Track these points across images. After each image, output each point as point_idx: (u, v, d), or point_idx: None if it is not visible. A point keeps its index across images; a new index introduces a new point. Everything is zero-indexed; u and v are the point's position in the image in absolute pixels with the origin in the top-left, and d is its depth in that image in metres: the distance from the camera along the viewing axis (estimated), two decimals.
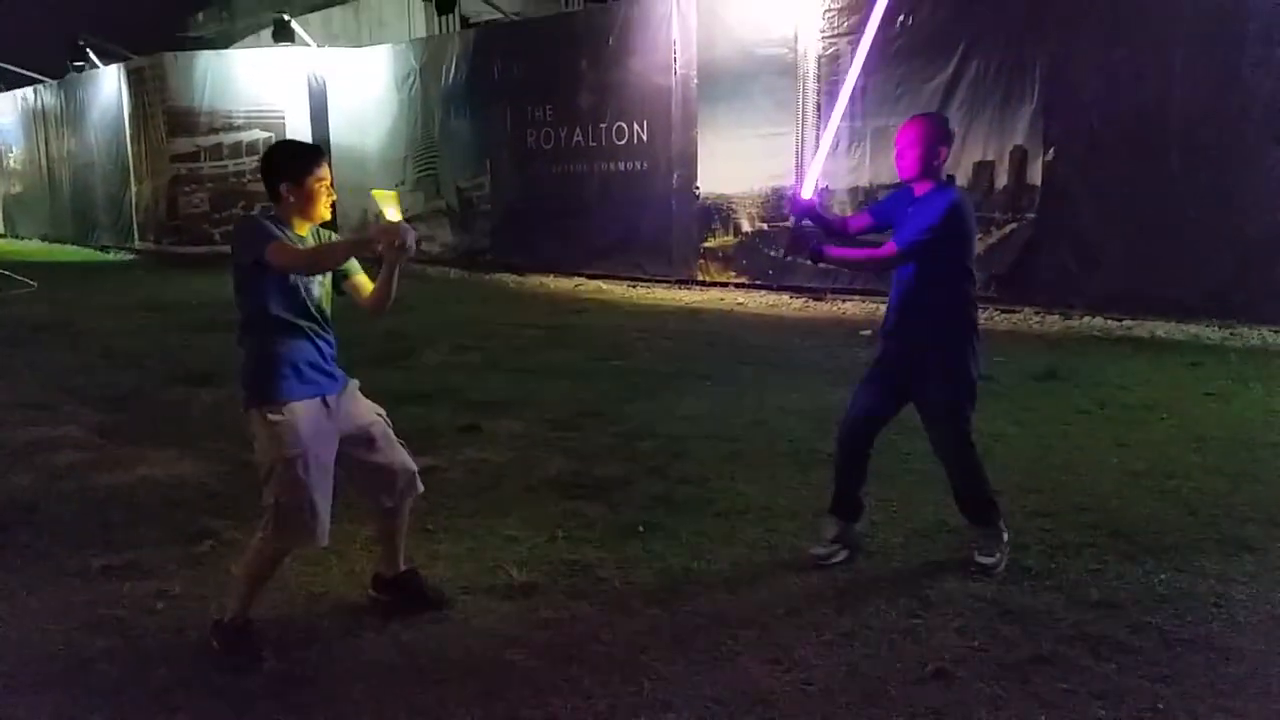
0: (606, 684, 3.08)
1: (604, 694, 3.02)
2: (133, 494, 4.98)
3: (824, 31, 10.72)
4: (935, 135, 3.79)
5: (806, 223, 3.98)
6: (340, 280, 3.38)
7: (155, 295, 12.75)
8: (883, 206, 4.09)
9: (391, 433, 3.49)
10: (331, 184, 3.29)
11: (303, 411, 3.20)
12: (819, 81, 10.82)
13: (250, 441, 3.32)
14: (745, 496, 4.73)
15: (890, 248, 3.76)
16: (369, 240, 3.11)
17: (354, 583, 3.82)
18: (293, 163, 3.24)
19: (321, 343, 3.30)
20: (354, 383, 3.43)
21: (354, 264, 3.38)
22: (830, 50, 10.69)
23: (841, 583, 3.78)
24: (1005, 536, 3.88)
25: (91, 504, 4.85)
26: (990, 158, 9.67)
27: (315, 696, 3.05)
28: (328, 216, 3.31)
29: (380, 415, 3.47)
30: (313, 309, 3.27)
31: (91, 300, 12.54)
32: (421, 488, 3.58)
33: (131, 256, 18.71)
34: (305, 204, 3.23)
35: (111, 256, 19.28)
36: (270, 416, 3.17)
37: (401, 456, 3.49)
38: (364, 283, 3.39)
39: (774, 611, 3.54)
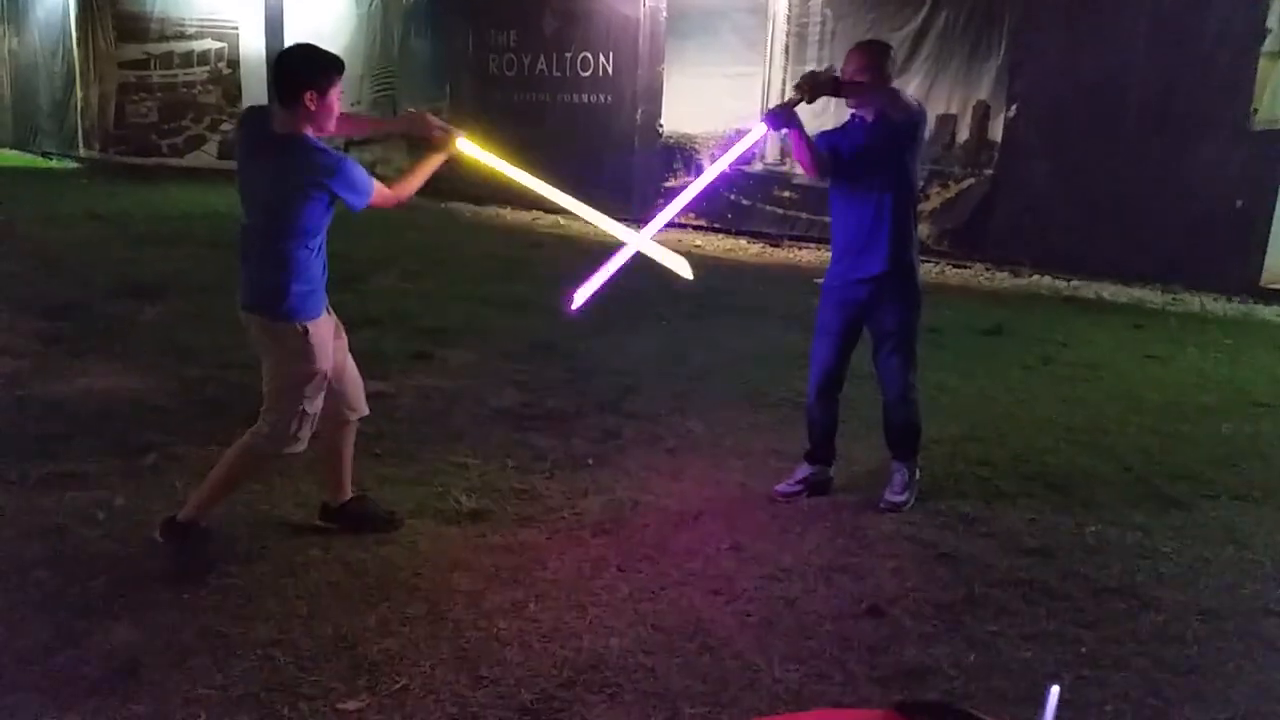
0: (551, 608, 3.13)
1: (548, 617, 3.07)
2: (74, 405, 4.89)
3: None
4: (883, 61, 3.82)
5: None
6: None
7: (99, 205, 12.36)
8: (831, 136, 3.98)
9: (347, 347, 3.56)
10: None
11: (324, 327, 3.31)
12: (789, 23, 10.73)
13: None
14: (694, 434, 4.79)
15: (831, 157, 3.78)
16: (431, 137, 3.43)
17: (299, 504, 3.80)
18: (321, 73, 3.14)
19: (324, 257, 3.36)
20: None
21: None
22: None
23: (784, 520, 3.85)
24: (918, 474, 4.02)
25: (31, 414, 4.76)
26: (954, 111, 9.69)
27: (258, 610, 3.06)
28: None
29: (341, 329, 3.52)
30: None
31: (33, 208, 12.13)
32: (366, 410, 3.62)
33: (75, 164, 18.09)
34: (323, 117, 3.19)
35: (54, 163, 18.62)
36: (310, 333, 3.24)
37: (355, 371, 3.57)
38: (380, 186, 3.40)
39: (718, 545, 3.61)
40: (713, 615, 3.12)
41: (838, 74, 3.91)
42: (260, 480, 3.83)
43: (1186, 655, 3.01)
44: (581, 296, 3.66)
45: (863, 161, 3.80)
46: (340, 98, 3.23)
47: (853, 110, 3.88)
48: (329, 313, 3.39)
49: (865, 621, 3.13)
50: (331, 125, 3.22)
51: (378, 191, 3.26)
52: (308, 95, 3.11)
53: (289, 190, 3.16)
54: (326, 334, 3.33)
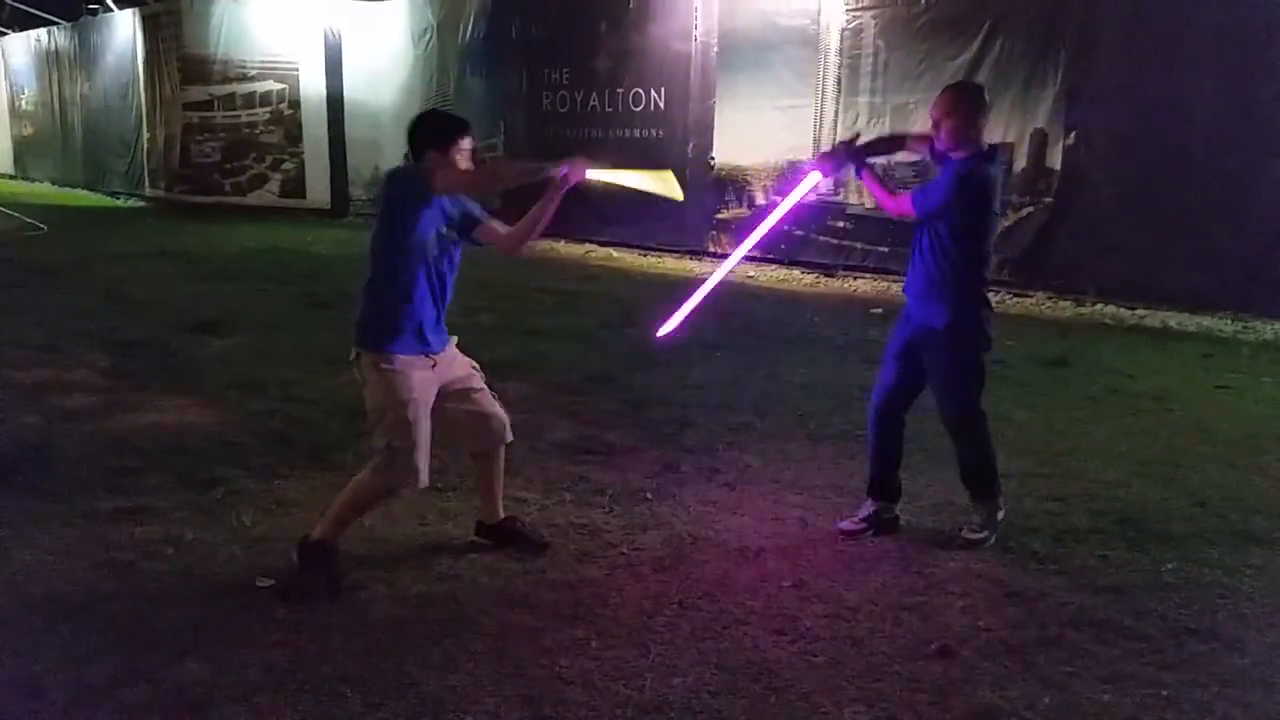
0: (613, 646, 3.10)
1: (610, 656, 3.04)
2: (143, 439, 4.99)
3: (848, 4, 10.60)
4: (971, 105, 3.78)
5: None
6: (472, 227, 3.56)
7: (165, 243, 12.72)
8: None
9: (484, 384, 3.70)
10: (475, 154, 3.49)
11: (410, 364, 3.41)
12: (840, 55, 10.72)
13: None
14: (752, 468, 4.74)
15: (907, 203, 3.81)
16: (544, 170, 3.43)
17: (363, 537, 3.82)
18: (440, 132, 3.45)
19: (440, 303, 3.50)
20: (453, 339, 3.62)
21: (481, 211, 3.60)
22: (854, 24, 10.56)
23: (848, 557, 3.79)
24: (1000, 515, 3.91)
25: (101, 447, 4.86)
26: (1010, 139, 9.57)
27: (322, 646, 3.07)
28: None
29: (475, 369, 3.69)
30: (443, 267, 3.48)
31: (102, 245, 12.51)
32: (510, 436, 3.75)
33: (142, 203, 18.66)
34: (450, 172, 3.40)
35: (122, 203, 19.23)
36: (382, 365, 3.38)
37: (494, 406, 3.70)
38: (497, 226, 3.62)
39: (780, 582, 3.55)
40: (777, 655, 3.07)
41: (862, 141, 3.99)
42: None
43: (1276, 701, 2.88)
44: (669, 326, 4.04)
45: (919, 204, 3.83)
46: (465, 155, 3.42)
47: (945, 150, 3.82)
48: (434, 355, 3.48)
49: (935, 662, 3.05)
50: (461, 181, 3.43)
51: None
52: (429, 153, 3.39)
53: (378, 218, 3.47)
54: (418, 372, 3.43)
